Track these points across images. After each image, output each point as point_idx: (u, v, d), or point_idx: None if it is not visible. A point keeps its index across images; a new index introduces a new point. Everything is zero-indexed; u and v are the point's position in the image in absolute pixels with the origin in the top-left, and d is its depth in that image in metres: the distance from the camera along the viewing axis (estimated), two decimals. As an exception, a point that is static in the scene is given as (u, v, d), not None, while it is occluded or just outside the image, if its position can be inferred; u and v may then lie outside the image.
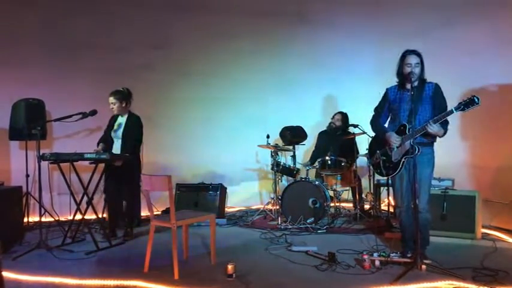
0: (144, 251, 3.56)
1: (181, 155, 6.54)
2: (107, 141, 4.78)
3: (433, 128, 3.30)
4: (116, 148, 4.73)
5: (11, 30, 5.89)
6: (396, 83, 3.67)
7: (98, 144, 4.77)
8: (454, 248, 4.02)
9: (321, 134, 6.06)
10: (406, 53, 3.53)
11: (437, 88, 3.53)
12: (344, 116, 5.84)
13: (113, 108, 4.70)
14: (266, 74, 6.75)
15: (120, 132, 4.74)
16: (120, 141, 4.73)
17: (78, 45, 6.12)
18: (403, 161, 3.49)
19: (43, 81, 5.98)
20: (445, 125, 3.40)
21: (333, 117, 5.88)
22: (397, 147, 3.53)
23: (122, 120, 4.80)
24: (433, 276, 3.18)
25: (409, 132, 3.45)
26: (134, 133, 4.78)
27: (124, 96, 4.72)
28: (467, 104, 3.17)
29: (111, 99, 4.67)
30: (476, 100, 3.14)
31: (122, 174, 4.56)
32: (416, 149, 3.35)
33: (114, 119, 4.86)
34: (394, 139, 3.54)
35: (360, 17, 6.32)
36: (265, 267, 3.58)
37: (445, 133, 3.43)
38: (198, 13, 6.42)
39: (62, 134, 6.03)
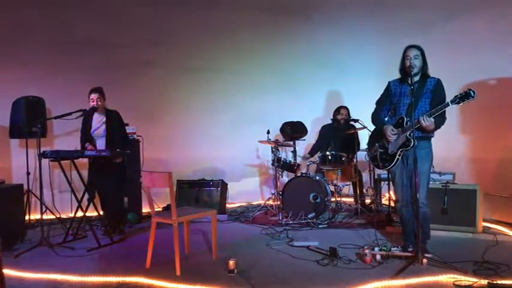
0: (145, 247, 3.57)
1: (182, 151, 6.54)
2: (89, 140, 4.68)
3: (426, 122, 3.31)
4: (99, 147, 4.65)
5: (11, 28, 5.87)
6: (398, 77, 3.69)
7: (83, 144, 4.68)
8: (455, 241, 4.03)
9: (325, 128, 6.04)
10: (406, 48, 3.56)
11: (438, 83, 3.53)
12: (348, 110, 5.84)
13: (94, 104, 4.58)
14: (267, 70, 6.74)
15: (102, 130, 4.66)
16: (103, 139, 4.65)
17: (78, 43, 6.09)
18: (399, 154, 3.51)
19: (43, 79, 5.97)
20: (440, 119, 3.39)
21: (339, 111, 5.81)
22: (394, 140, 3.54)
23: (100, 118, 4.70)
24: (434, 270, 3.19)
25: (406, 125, 3.46)
26: (121, 129, 4.77)
27: (103, 93, 4.65)
28: (463, 97, 3.19)
29: (94, 96, 4.57)
30: (472, 93, 3.15)
31: (113, 170, 4.55)
32: (412, 141, 3.36)
33: (88, 118, 4.70)
34: (390, 132, 3.55)
35: (361, 13, 6.28)
36: (266, 263, 3.59)
37: (436, 128, 3.43)
38: (198, 9, 6.38)
39: (62, 131, 6.03)
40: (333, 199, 5.36)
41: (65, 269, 3.49)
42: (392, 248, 3.58)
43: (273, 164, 5.56)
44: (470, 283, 2.94)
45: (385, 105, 3.77)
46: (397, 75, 3.68)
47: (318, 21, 6.54)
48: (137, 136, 5.63)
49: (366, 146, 4.03)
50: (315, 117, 6.70)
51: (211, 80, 6.66)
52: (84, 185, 4.44)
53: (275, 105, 6.68)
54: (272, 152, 5.54)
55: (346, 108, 5.84)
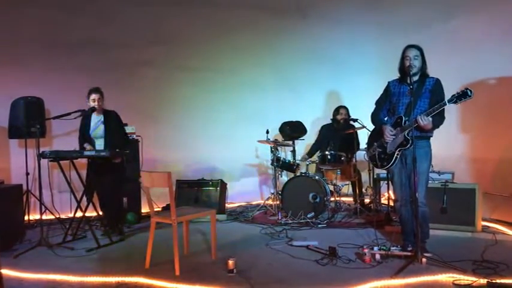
0: (144, 247, 3.57)
1: (181, 151, 6.53)
2: (88, 141, 4.66)
3: (423, 121, 3.31)
4: (97, 147, 4.64)
5: (10, 28, 5.86)
6: (398, 77, 3.69)
7: (81, 145, 4.67)
8: (454, 241, 4.03)
9: (325, 128, 6.04)
10: (406, 47, 3.57)
11: (437, 83, 3.54)
12: (347, 110, 5.83)
13: (95, 104, 4.55)
14: (265, 69, 6.74)
15: (100, 131, 4.63)
16: (102, 140, 4.64)
17: (77, 43, 6.09)
18: (397, 153, 3.52)
19: (42, 79, 5.96)
20: (438, 118, 3.39)
21: (338, 111, 5.80)
22: (393, 139, 3.55)
23: (98, 118, 4.67)
24: (434, 269, 3.19)
25: (404, 124, 3.47)
26: (120, 129, 4.77)
27: (102, 93, 4.64)
28: (459, 96, 3.21)
29: (95, 96, 4.55)
30: (469, 93, 3.17)
31: (112, 170, 4.54)
32: (410, 141, 3.37)
33: (86, 119, 4.68)
34: (388, 132, 3.56)
35: (360, 10, 6.28)
36: (265, 262, 3.59)
37: (434, 127, 3.44)
38: (197, 8, 6.38)
39: (61, 131, 6.02)
40: (332, 199, 5.36)
41: (65, 269, 3.48)
42: (391, 248, 3.58)
43: (272, 164, 5.56)
44: (470, 282, 2.94)
45: (385, 105, 3.78)
46: (396, 73, 3.69)
47: (316, 19, 6.54)
48: (136, 136, 5.63)
49: (365, 146, 4.03)
50: (314, 117, 6.70)
51: (210, 79, 6.65)
52: (84, 185, 4.43)
53: (274, 105, 6.68)
54: (271, 151, 5.54)
55: (345, 107, 5.84)
